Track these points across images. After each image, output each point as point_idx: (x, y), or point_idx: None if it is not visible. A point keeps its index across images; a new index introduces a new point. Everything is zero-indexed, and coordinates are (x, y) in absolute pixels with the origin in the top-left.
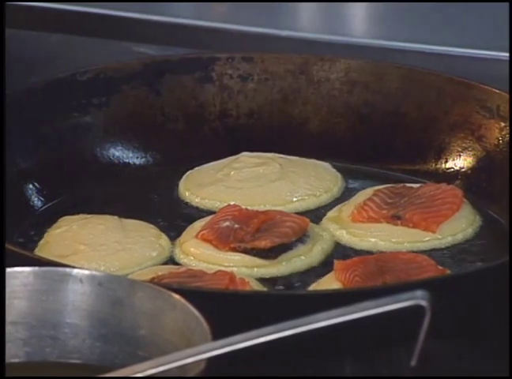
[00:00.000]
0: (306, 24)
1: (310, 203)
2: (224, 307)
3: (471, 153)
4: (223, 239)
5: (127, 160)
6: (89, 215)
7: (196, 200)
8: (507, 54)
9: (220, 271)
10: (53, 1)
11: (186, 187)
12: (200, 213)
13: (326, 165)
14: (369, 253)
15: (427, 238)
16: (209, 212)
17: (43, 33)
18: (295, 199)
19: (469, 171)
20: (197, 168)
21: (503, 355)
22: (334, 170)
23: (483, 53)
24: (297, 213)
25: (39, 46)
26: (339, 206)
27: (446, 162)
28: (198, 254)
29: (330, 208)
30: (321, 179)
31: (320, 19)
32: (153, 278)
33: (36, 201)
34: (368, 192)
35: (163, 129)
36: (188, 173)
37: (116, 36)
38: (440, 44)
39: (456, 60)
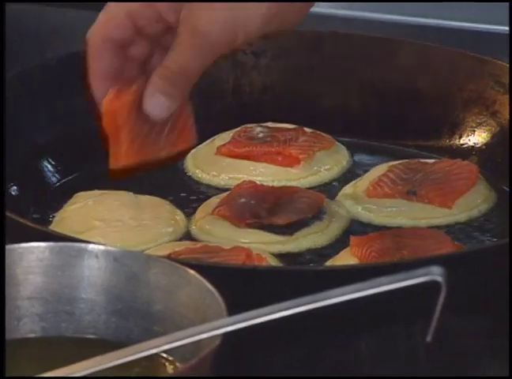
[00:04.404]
0: None
1: (323, 177)
2: (239, 283)
3: (485, 129)
4: (239, 215)
5: None
6: (104, 191)
7: (206, 176)
8: None
9: (236, 247)
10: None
11: (194, 164)
12: (212, 189)
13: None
14: (385, 228)
15: (443, 214)
16: (222, 189)
17: (59, 8)
18: (307, 173)
19: (484, 147)
20: (199, 146)
21: None
22: (338, 143)
23: (498, 28)
24: (310, 188)
25: (56, 22)
26: (354, 181)
27: (461, 138)
28: (215, 230)
29: (344, 183)
30: (329, 153)
31: None
32: (170, 254)
33: (51, 177)
34: (383, 167)
35: None
36: (193, 150)
37: None
38: (454, 19)
39: (470, 35)
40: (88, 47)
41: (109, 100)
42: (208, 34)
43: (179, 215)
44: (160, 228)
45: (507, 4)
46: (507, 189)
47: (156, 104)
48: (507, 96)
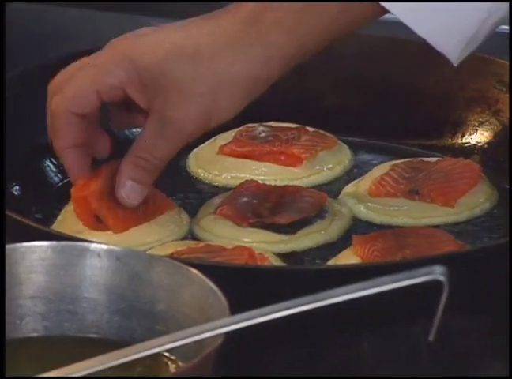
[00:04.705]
0: None
1: (325, 176)
2: (242, 282)
3: (488, 128)
4: (241, 215)
5: None
6: None
7: (208, 176)
8: None
9: (239, 246)
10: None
11: (197, 164)
12: (214, 189)
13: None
14: (387, 227)
15: (445, 213)
16: (224, 188)
17: (60, 8)
18: (309, 172)
19: (486, 146)
20: (201, 146)
21: None
22: (341, 142)
23: (500, 27)
24: (313, 188)
25: (57, 21)
26: (356, 181)
27: (463, 137)
28: (217, 230)
29: (346, 183)
30: (331, 152)
31: None
32: (172, 253)
33: (54, 177)
34: (385, 167)
35: None
36: (195, 150)
37: (134, 11)
38: None
39: None
40: (52, 119)
41: (78, 188)
42: (181, 125)
43: (183, 214)
44: (163, 227)
45: (507, 4)
46: (509, 188)
47: (130, 192)
48: (509, 95)
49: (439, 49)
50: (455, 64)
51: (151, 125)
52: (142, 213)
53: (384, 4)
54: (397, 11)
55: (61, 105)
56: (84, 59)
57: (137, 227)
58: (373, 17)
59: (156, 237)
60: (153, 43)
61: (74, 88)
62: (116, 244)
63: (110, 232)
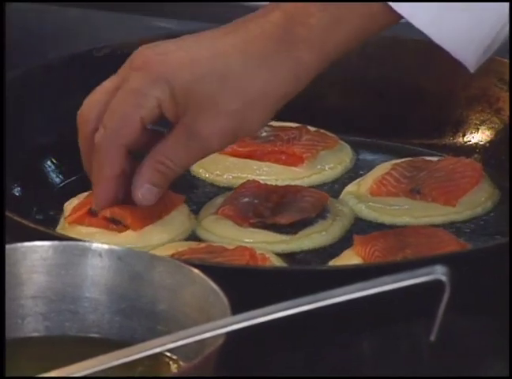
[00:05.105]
0: None
1: (326, 176)
2: (243, 282)
3: (489, 126)
4: (243, 215)
5: None
6: None
7: (209, 176)
8: None
9: (240, 246)
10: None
11: (198, 164)
12: (216, 189)
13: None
14: (388, 227)
15: (447, 212)
16: (226, 188)
17: (61, 8)
18: (310, 172)
19: (488, 145)
20: None
21: None
22: (342, 142)
23: None
24: (314, 187)
25: (58, 21)
26: (357, 180)
27: (464, 135)
28: (218, 230)
29: (347, 182)
30: (332, 151)
31: None
32: (174, 254)
33: (55, 178)
34: (386, 166)
35: None
36: None
37: (134, 11)
38: None
39: None
40: (98, 154)
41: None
42: (208, 141)
43: (191, 215)
44: (176, 227)
45: (507, 4)
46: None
47: (146, 194)
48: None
49: (458, 57)
50: (472, 71)
51: (176, 136)
52: (157, 209)
53: (402, 12)
54: (417, 22)
55: (107, 139)
56: (108, 84)
57: (152, 228)
58: (390, 25)
59: (157, 237)
60: (183, 61)
61: (118, 119)
62: (132, 245)
63: (117, 234)
